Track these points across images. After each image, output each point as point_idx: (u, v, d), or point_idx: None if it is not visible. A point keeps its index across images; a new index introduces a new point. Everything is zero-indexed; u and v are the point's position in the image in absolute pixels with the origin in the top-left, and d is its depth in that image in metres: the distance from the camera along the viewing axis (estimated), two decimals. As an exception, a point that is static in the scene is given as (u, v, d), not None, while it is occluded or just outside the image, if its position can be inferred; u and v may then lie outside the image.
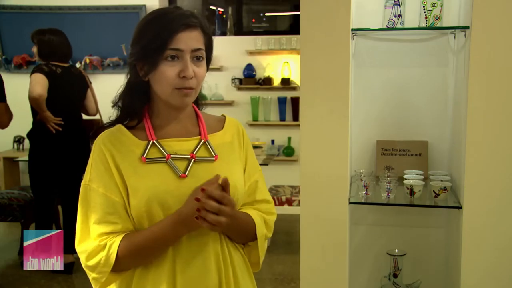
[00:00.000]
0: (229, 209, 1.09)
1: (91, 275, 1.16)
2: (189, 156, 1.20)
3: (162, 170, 1.16)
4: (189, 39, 1.14)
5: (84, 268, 1.17)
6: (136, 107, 1.22)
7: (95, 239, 1.14)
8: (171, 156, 1.18)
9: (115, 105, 1.24)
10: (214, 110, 1.36)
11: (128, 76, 1.22)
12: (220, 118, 1.34)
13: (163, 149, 1.18)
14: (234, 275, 1.23)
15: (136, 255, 1.13)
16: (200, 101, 1.32)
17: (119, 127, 1.22)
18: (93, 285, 1.19)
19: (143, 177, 1.15)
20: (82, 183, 1.19)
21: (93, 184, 1.16)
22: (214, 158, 1.22)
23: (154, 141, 1.19)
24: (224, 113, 1.36)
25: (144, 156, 1.17)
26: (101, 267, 1.13)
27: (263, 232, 1.27)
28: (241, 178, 1.27)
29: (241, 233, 1.25)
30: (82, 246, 1.16)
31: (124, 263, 1.13)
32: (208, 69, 1.23)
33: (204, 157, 1.21)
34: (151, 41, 1.13)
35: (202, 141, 1.23)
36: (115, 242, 1.12)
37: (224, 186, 1.11)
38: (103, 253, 1.12)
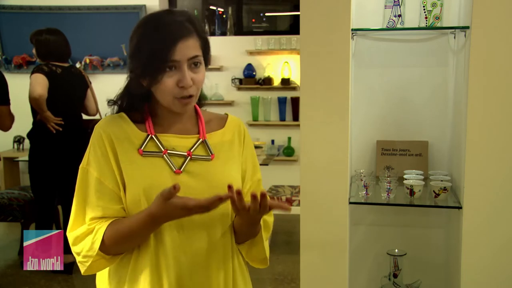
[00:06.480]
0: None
1: (77, 258, 1.18)
2: (185, 153, 1.21)
3: (158, 164, 1.17)
4: (185, 49, 1.14)
5: (72, 251, 1.19)
6: (136, 107, 1.24)
7: (85, 223, 1.16)
8: (168, 151, 1.20)
9: (114, 103, 1.25)
10: (214, 110, 1.38)
11: (129, 82, 1.23)
12: (222, 116, 1.35)
13: (161, 144, 1.20)
14: (227, 280, 1.24)
15: (119, 242, 1.15)
16: (202, 101, 1.32)
17: (121, 114, 1.24)
18: (80, 268, 1.20)
19: (138, 167, 1.17)
20: (80, 166, 1.20)
21: (90, 167, 1.18)
22: (210, 158, 1.24)
23: (153, 136, 1.20)
24: (227, 112, 1.37)
25: (142, 148, 1.18)
26: (86, 251, 1.14)
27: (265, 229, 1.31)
28: (237, 177, 1.27)
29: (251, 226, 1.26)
30: (72, 230, 1.18)
31: (110, 248, 1.15)
32: (206, 67, 1.23)
33: (200, 155, 1.23)
34: (150, 62, 1.13)
35: (200, 140, 1.25)
36: (101, 228, 1.14)
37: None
38: (89, 238, 1.14)
